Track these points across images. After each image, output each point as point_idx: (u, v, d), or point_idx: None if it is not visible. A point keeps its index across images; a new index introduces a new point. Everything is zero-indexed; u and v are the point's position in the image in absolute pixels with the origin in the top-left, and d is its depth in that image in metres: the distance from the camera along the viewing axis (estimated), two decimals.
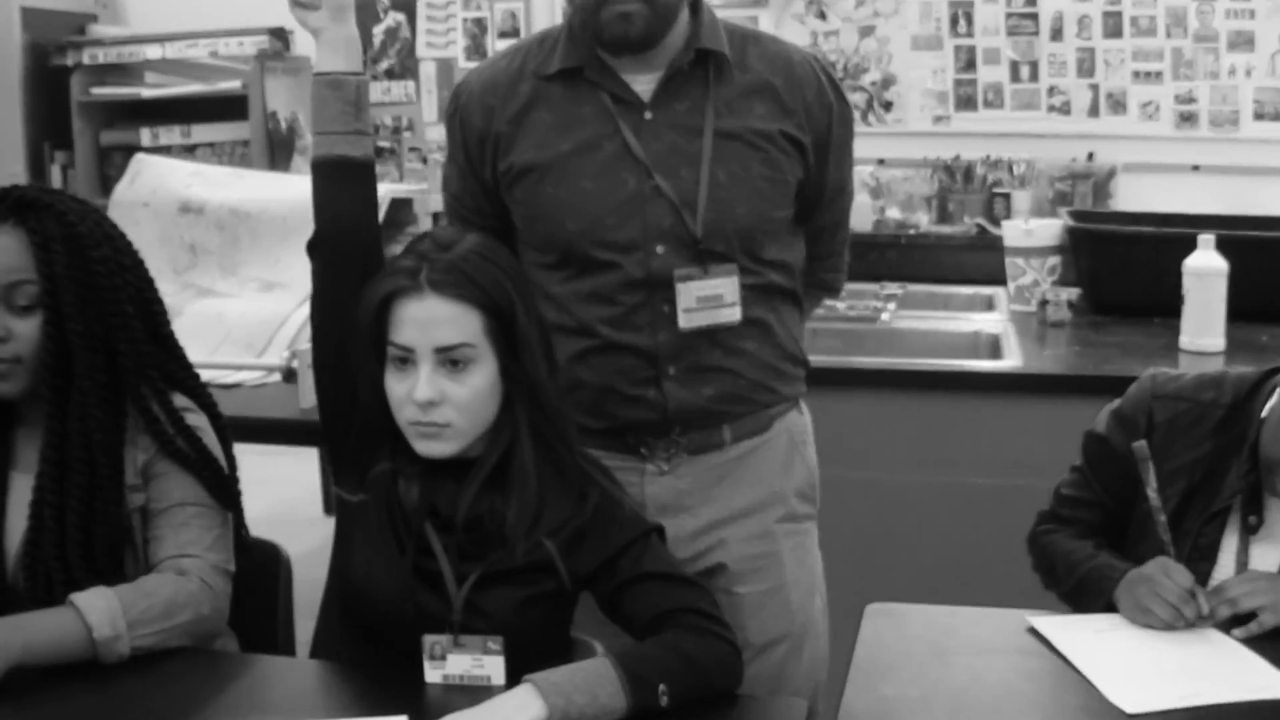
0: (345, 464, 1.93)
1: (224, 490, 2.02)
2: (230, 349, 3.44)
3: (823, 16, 5.87)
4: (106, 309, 1.96)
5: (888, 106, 5.87)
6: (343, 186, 1.92)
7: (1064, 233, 3.65)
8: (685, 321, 2.09)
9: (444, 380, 1.77)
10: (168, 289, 3.77)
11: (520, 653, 1.75)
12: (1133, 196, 5.51)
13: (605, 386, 2.12)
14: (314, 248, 1.94)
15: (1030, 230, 3.65)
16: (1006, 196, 5.54)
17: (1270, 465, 1.96)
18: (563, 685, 1.62)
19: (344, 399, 1.89)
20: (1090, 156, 5.60)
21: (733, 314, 2.12)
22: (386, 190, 3.87)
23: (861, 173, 5.66)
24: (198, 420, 2.05)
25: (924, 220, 5.62)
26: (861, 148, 5.73)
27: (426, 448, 1.80)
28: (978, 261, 4.95)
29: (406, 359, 1.78)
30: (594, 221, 2.08)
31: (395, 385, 1.79)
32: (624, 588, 1.81)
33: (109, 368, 1.97)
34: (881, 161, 5.80)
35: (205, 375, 3.22)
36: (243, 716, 1.62)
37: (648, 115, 2.09)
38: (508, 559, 1.80)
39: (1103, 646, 1.87)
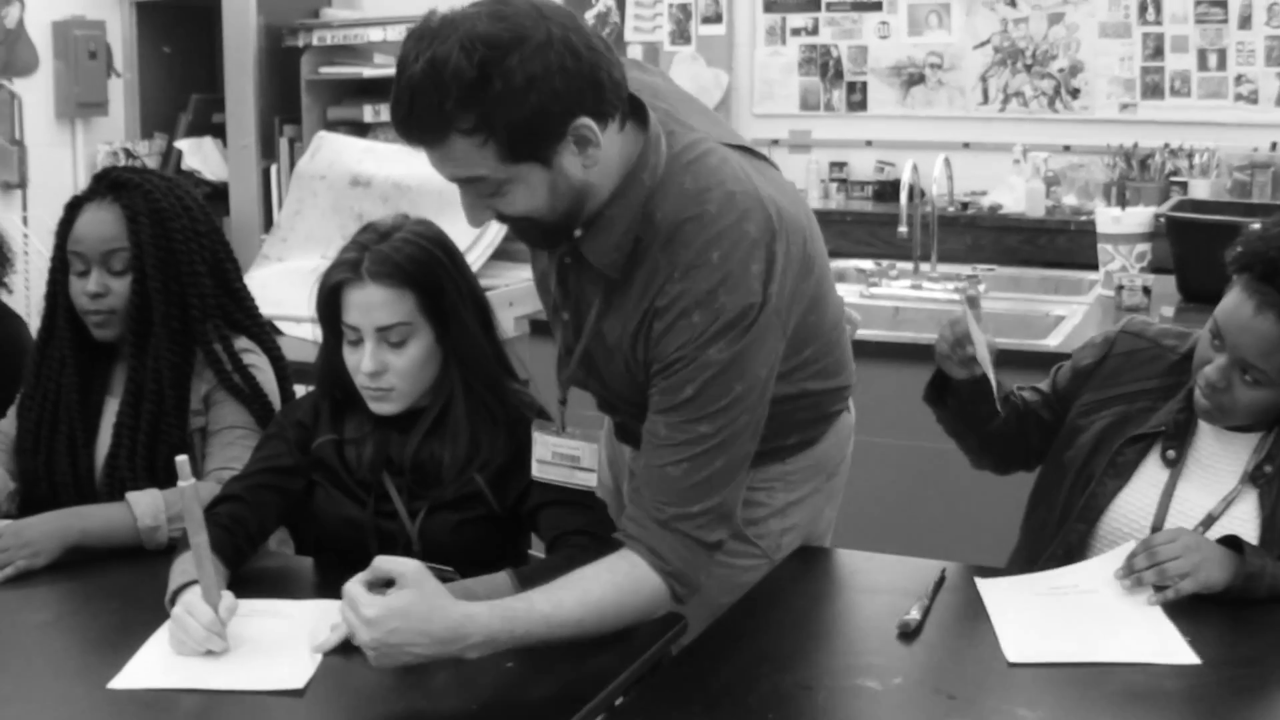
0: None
1: (270, 419, 2.44)
2: None
3: (1013, 3, 5.99)
4: (181, 269, 2.42)
5: (1074, 94, 5.96)
6: None
7: (1153, 220, 3.76)
8: (537, 471, 2.10)
9: (386, 353, 2.12)
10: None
11: (470, 568, 2.07)
12: None
13: None
14: None
15: (1119, 217, 3.78)
16: (1183, 185, 5.57)
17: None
18: (467, 591, 1.98)
19: None
20: (1274, 146, 5.57)
21: (587, 479, 2.09)
22: None
23: (1035, 159, 5.79)
24: (257, 360, 2.48)
25: (1100, 208, 5.69)
26: (1047, 134, 5.86)
27: (377, 407, 2.17)
28: None
29: (356, 337, 2.14)
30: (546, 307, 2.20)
31: (349, 357, 2.16)
32: (536, 511, 2.15)
33: (182, 317, 2.42)
34: (1067, 148, 5.91)
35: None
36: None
37: (566, 260, 2.00)
38: (444, 494, 2.17)
39: (1024, 600, 2.03)
